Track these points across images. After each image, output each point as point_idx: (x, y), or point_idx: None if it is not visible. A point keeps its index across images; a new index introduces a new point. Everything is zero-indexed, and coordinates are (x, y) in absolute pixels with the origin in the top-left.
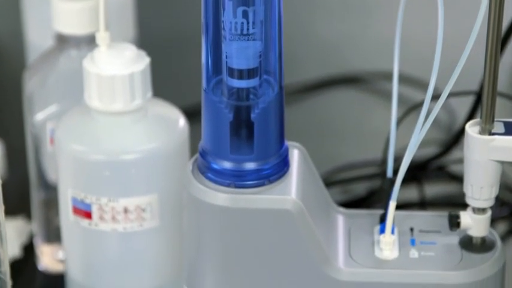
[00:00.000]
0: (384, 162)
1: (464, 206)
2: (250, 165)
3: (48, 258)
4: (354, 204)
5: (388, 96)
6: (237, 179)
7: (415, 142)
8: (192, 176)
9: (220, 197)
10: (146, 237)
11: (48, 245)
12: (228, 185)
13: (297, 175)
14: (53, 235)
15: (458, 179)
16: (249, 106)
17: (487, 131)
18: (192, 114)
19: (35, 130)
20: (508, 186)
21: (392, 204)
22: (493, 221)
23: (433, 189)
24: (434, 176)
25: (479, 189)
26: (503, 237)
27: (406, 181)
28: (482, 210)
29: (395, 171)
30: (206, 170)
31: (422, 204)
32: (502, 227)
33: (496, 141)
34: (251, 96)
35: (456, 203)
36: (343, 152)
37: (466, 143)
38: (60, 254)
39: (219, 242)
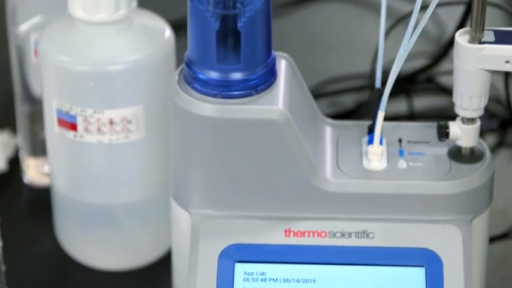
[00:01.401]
0: (372, 75)
1: (453, 118)
2: (237, 75)
3: (33, 172)
4: (342, 116)
5: (376, 8)
6: (224, 89)
7: (404, 52)
8: (178, 86)
9: (207, 107)
10: (132, 149)
11: (34, 159)
12: (215, 96)
13: (284, 85)
14: (39, 148)
15: (447, 91)
16: (235, 15)
17: (477, 39)
18: (179, 27)
19: (18, 42)
20: (498, 98)
21: (380, 115)
22: (482, 134)
23: (422, 102)
24: (423, 89)
25: (469, 99)
26: (493, 150)
27: (394, 94)
28: (471, 120)
29: (384, 83)
30: (192, 80)
31: (411, 116)
32: (491, 139)
33: (485, 50)
34: (238, 4)
35: (445, 115)
36: (331, 65)
37: (455, 52)
38: (46, 168)
39: (206, 153)
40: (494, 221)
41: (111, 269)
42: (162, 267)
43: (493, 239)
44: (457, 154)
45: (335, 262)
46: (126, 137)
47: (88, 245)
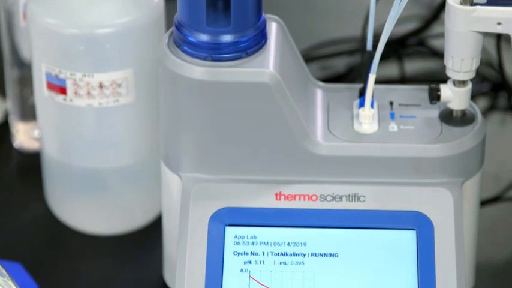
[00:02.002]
0: (363, 38)
1: (444, 82)
2: (227, 38)
3: (23, 136)
4: (333, 80)
5: None
6: (214, 52)
7: (394, 15)
8: (167, 49)
9: (197, 70)
10: (122, 112)
11: (24, 123)
12: (205, 58)
13: (275, 48)
14: (28, 113)
15: (439, 54)
16: None
17: (469, 1)
18: None
19: (7, 5)
20: (489, 62)
21: (371, 77)
22: (474, 97)
23: (413, 65)
24: (414, 52)
25: (460, 61)
26: (484, 113)
27: (386, 57)
28: (462, 83)
29: (375, 47)
30: (182, 43)
31: (403, 80)
32: (483, 103)
33: (477, 11)
34: None
35: (436, 79)
36: (322, 28)
37: (447, 14)
38: (36, 133)
39: (196, 116)
40: (486, 185)
41: (102, 233)
42: (153, 231)
43: (484, 203)
44: (448, 117)
45: (326, 225)
46: (116, 100)
47: (78, 210)
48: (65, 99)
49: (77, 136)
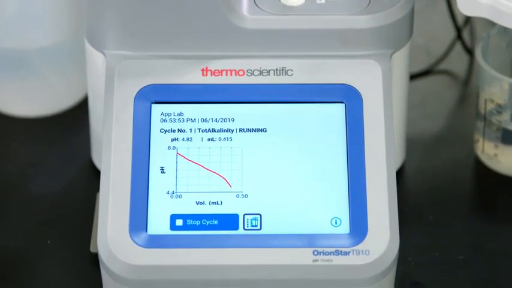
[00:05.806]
0: None
1: None
2: None
3: None
4: None
5: None
6: None
7: None
8: None
9: None
10: None
11: None
12: None
13: None
14: None
15: None
16: None
17: None
18: None
19: None
20: None
21: None
22: None
23: None
24: None
25: None
26: None
27: None
28: None
29: None
30: None
31: None
32: None
33: None
34: None
35: None
36: None
37: None
38: None
39: None
40: (416, 58)
41: (28, 115)
42: (80, 112)
43: (415, 76)
44: None
45: (254, 100)
46: None
47: (3, 92)
48: None
49: None
